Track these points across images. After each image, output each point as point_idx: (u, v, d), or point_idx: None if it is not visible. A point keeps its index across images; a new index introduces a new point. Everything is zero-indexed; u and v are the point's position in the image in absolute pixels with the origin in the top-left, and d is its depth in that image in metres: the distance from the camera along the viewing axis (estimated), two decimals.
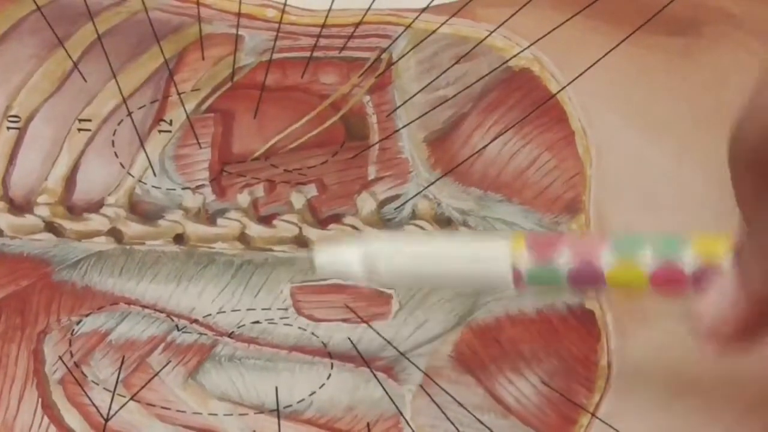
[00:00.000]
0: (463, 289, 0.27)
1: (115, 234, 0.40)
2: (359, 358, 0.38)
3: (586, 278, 0.26)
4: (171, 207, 0.41)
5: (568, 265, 0.25)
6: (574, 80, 0.41)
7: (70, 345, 0.39)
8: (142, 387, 0.38)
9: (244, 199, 0.41)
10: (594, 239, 0.26)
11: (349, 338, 0.39)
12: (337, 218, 0.41)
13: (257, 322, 0.39)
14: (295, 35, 0.43)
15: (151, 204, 0.41)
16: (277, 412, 0.38)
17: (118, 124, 0.42)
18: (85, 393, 0.38)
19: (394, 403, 0.38)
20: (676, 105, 0.41)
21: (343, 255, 0.27)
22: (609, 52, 0.41)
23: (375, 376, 0.38)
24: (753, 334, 0.25)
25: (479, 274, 0.27)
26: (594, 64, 0.41)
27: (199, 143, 0.41)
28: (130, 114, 0.42)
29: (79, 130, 0.42)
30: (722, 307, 0.25)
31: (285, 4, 0.43)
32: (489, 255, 0.26)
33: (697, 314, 0.25)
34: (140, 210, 0.41)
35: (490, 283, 0.26)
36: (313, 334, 0.39)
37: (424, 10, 0.43)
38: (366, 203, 0.41)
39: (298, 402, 0.38)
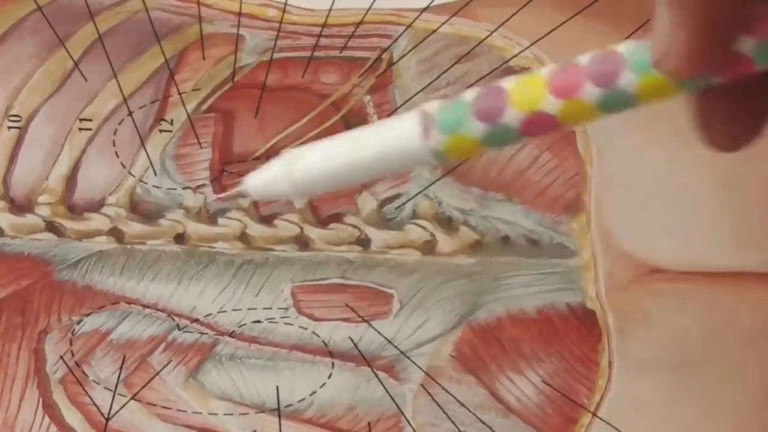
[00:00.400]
0: (381, 167, 0.27)
1: (115, 233, 0.40)
2: (360, 358, 0.38)
3: (490, 100, 0.26)
4: (172, 206, 0.41)
5: (474, 94, 0.26)
6: None
7: (70, 344, 0.39)
8: (143, 386, 0.38)
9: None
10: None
11: (350, 337, 0.39)
12: (337, 217, 0.41)
13: (258, 321, 0.39)
14: (296, 35, 0.43)
15: (152, 203, 0.41)
16: (277, 412, 0.38)
17: (119, 123, 0.42)
18: (86, 392, 0.38)
19: (395, 402, 0.38)
20: (675, 104, 0.41)
21: (268, 172, 0.28)
22: None
23: (376, 375, 0.38)
24: (704, 61, 0.25)
25: (392, 143, 0.27)
26: None
27: (199, 143, 0.41)
28: (130, 113, 0.42)
29: (80, 129, 0.42)
30: (667, 41, 0.25)
31: (286, 4, 0.43)
32: (401, 120, 0.27)
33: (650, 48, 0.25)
34: (141, 209, 0.41)
35: (401, 143, 0.27)
36: (314, 333, 0.39)
37: (424, 9, 0.43)
38: (367, 202, 0.41)
39: (299, 401, 0.38)
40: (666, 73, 0.25)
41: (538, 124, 0.26)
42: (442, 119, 0.26)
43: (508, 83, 0.26)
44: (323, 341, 0.39)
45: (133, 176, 0.41)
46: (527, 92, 0.26)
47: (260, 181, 0.28)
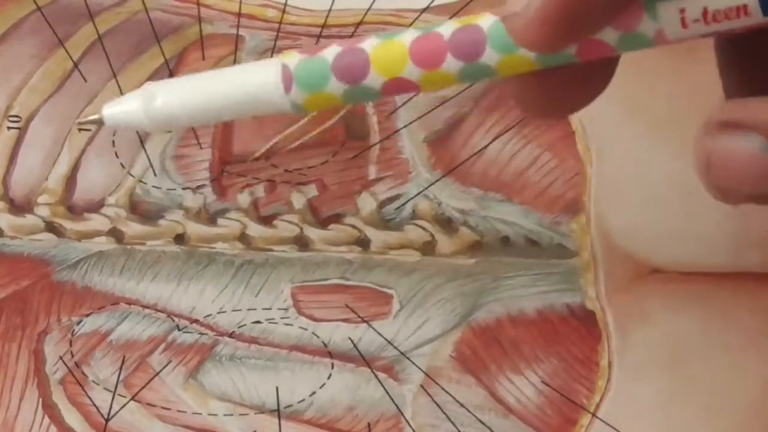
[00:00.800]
0: (240, 108, 0.27)
1: (115, 234, 0.40)
2: (360, 358, 0.38)
3: (351, 62, 0.27)
4: (171, 207, 0.41)
5: (335, 52, 0.27)
6: None
7: (70, 345, 0.39)
8: (143, 387, 0.38)
9: (244, 199, 0.41)
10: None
11: (349, 338, 0.39)
12: (337, 218, 0.41)
13: (258, 321, 0.39)
14: (296, 35, 0.43)
15: (152, 204, 0.41)
16: (277, 412, 0.38)
17: None
18: (86, 393, 0.38)
19: (394, 402, 0.38)
20: (676, 104, 0.41)
21: (126, 103, 0.28)
22: None
23: (376, 376, 0.38)
24: (553, 39, 0.25)
25: (252, 87, 0.28)
26: None
27: (199, 143, 0.41)
28: None
29: (80, 130, 0.42)
30: (522, 11, 0.25)
31: (285, 4, 0.43)
32: (261, 68, 0.27)
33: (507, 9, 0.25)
34: (141, 210, 0.41)
35: (262, 92, 0.27)
36: (313, 333, 0.39)
37: (424, 10, 0.43)
38: (366, 203, 0.41)
39: (298, 402, 0.38)
40: (517, 42, 0.25)
41: (398, 87, 0.27)
42: (302, 76, 0.27)
43: (370, 46, 0.27)
44: (323, 342, 0.39)
45: (133, 177, 0.41)
46: (389, 58, 0.27)
47: (118, 111, 0.29)
